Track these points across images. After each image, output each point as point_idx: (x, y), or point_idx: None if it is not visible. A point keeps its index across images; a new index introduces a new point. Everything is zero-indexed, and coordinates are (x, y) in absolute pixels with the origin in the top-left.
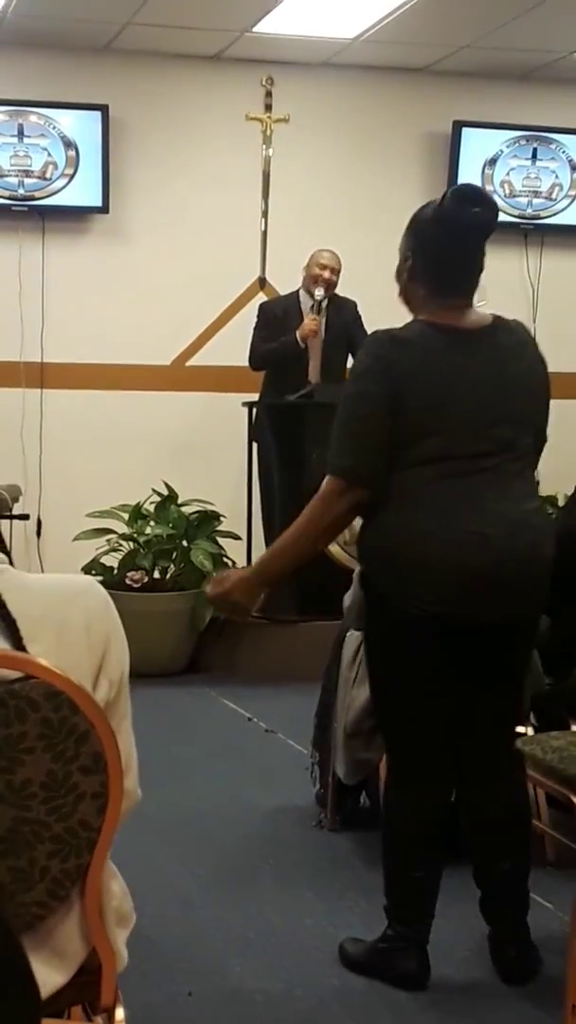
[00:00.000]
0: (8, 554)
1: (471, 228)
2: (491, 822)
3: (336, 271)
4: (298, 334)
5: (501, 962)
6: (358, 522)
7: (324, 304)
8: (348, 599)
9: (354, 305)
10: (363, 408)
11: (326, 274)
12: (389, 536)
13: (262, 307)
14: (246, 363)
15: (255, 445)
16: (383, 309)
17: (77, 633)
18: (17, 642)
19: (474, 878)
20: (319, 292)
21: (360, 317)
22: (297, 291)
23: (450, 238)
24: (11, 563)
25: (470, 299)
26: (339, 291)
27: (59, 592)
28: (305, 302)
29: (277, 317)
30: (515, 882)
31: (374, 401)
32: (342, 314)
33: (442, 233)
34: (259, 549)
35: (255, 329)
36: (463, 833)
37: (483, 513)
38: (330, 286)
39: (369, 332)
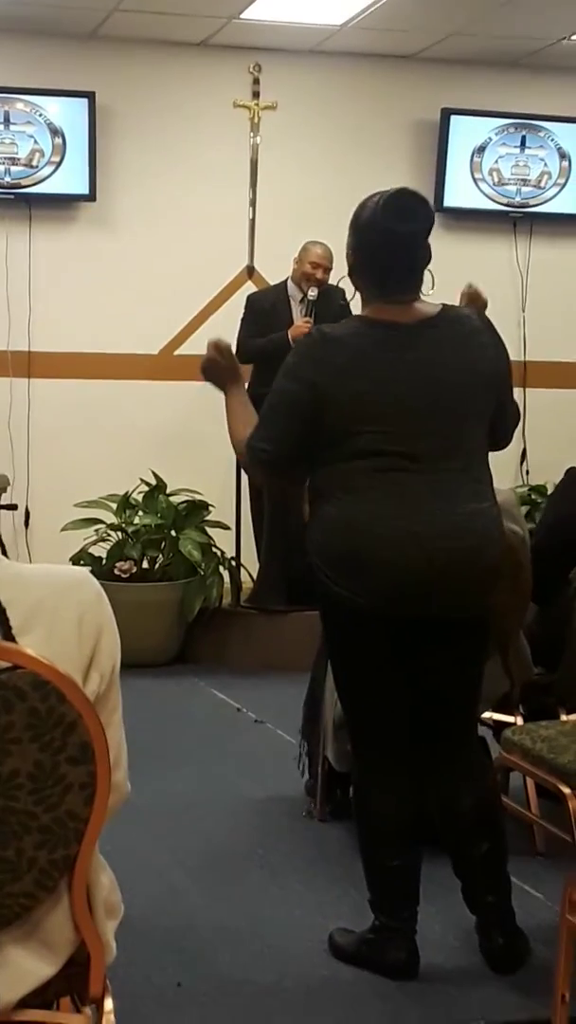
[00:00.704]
0: (1, 545)
1: (406, 239)
2: (462, 809)
3: (328, 268)
4: (290, 335)
5: (489, 950)
6: None
7: (315, 301)
8: None
9: (342, 293)
10: (282, 405)
11: (319, 273)
12: (327, 528)
13: (249, 299)
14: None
15: None
16: None
17: (69, 625)
18: (7, 632)
19: (453, 869)
20: (312, 292)
21: (348, 304)
22: (285, 282)
23: (386, 249)
24: (4, 554)
25: (414, 294)
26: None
27: (52, 584)
28: (294, 294)
29: (265, 310)
30: (494, 865)
31: (292, 400)
32: (330, 303)
33: (378, 244)
34: (248, 539)
35: (242, 322)
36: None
37: (417, 512)
38: (322, 284)
39: None
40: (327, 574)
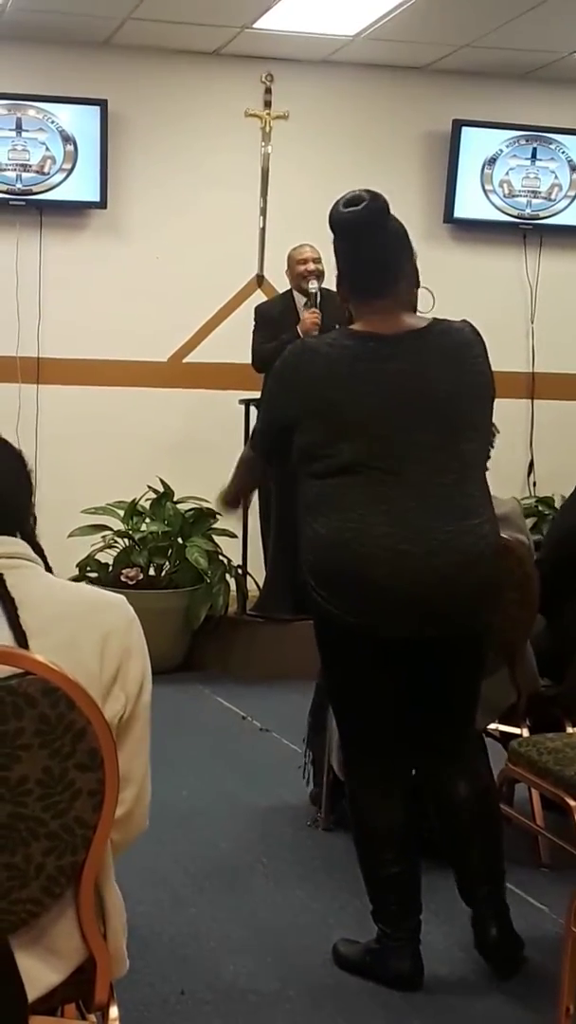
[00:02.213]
0: (44, 558)
1: (356, 225)
2: (457, 799)
3: (317, 259)
4: (299, 329)
5: (484, 943)
6: None
7: (319, 295)
8: None
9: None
10: (267, 401)
11: (310, 266)
12: (317, 547)
13: (257, 309)
14: (243, 360)
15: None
16: None
17: (92, 640)
18: (13, 619)
19: (449, 861)
20: (312, 285)
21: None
22: (290, 291)
23: (347, 241)
24: (48, 568)
25: (394, 301)
26: (335, 287)
27: (83, 600)
28: (299, 300)
29: (274, 318)
30: (489, 857)
31: (273, 403)
32: (340, 307)
33: (340, 239)
34: (254, 547)
35: (254, 332)
36: (434, 825)
37: (405, 529)
38: (320, 275)
39: None
40: (318, 592)
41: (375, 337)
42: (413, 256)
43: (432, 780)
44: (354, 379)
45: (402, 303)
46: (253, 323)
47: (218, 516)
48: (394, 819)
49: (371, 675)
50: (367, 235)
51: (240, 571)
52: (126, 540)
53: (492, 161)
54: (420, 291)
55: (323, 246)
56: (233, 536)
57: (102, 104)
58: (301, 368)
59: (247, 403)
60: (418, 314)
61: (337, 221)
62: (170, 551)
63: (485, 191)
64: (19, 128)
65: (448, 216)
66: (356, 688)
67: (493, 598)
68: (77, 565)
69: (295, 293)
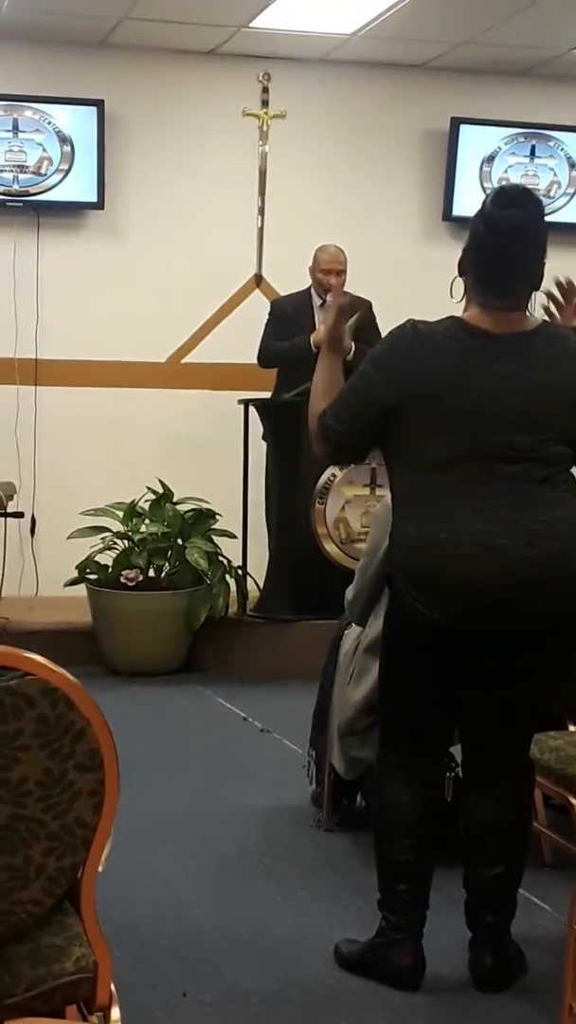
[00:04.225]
0: None
1: (505, 230)
2: (490, 824)
3: (341, 271)
4: (312, 340)
5: (476, 967)
6: (355, 522)
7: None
8: (350, 592)
9: (369, 306)
10: (360, 390)
11: (331, 278)
12: (411, 546)
13: (273, 304)
14: (243, 360)
15: (264, 444)
16: (378, 306)
17: None
18: None
19: (463, 881)
20: (330, 298)
21: (375, 318)
22: (308, 288)
23: (490, 239)
24: None
25: (515, 305)
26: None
27: None
28: (316, 301)
29: (288, 316)
30: (504, 888)
31: (370, 386)
32: (354, 310)
33: (483, 233)
34: (255, 547)
35: (266, 326)
36: (460, 834)
37: (499, 525)
38: (340, 287)
39: (382, 333)
40: (410, 591)
41: (486, 335)
42: (544, 259)
43: (471, 793)
44: (460, 374)
45: (521, 305)
46: (267, 316)
47: (217, 516)
48: (417, 811)
49: (437, 676)
50: (516, 240)
51: (240, 572)
52: (125, 541)
53: (491, 159)
54: (537, 293)
55: (323, 243)
56: (233, 537)
57: (99, 104)
58: (410, 354)
59: (246, 403)
60: (528, 315)
61: (489, 217)
62: (170, 552)
63: (484, 189)
64: (16, 129)
65: (447, 214)
66: (416, 688)
67: None
68: (76, 567)
69: (313, 293)
